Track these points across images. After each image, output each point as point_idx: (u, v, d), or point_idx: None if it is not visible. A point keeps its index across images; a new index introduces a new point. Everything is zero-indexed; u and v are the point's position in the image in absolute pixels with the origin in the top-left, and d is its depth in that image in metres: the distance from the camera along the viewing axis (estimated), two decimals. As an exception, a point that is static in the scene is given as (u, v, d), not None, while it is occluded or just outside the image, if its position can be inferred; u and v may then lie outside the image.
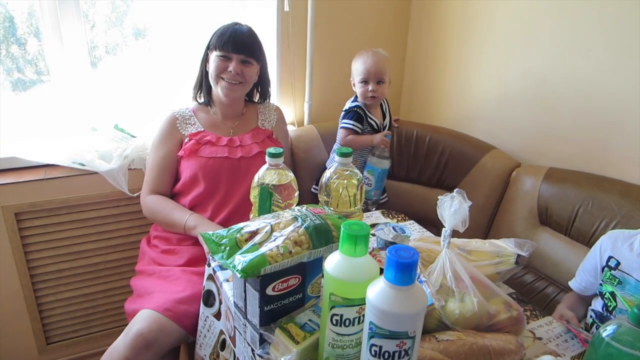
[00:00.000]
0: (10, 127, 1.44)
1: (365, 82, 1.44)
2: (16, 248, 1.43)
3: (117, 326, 1.69)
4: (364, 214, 1.31)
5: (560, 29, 1.42)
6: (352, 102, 1.51)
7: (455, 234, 0.85)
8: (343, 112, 1.51)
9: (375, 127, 1.49)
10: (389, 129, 1.56)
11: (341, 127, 1.49)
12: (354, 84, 1.50)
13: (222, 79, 1.31)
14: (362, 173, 1.45)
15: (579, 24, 1.37)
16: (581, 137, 1.42)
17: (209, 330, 1.07)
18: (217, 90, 1.34)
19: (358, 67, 1.45)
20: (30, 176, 1.40)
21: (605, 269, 1.03)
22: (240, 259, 0.72)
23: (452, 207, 0.83)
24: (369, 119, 1.48)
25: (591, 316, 1.06)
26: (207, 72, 1.36)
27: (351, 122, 1.46)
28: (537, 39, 1.49)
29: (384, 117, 1.55)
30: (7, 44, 1.46)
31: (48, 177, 1.42)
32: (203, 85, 1.39)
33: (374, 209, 1.51)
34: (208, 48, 1.35)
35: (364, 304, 0.62)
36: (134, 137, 1.51)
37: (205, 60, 1.37)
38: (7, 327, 1.51)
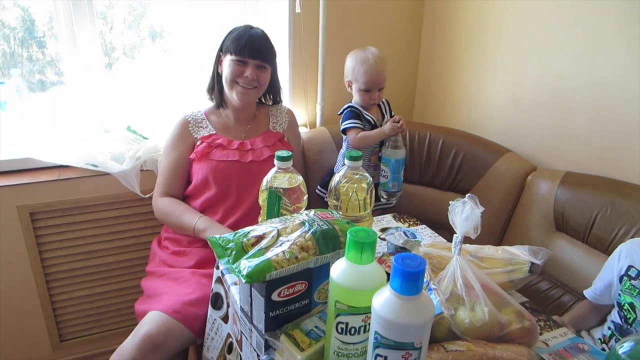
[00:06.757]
0: (25, 129, 1.47)
1: (367, 90, 1.43)
2: (31, 247, 1.45)
3: (129, 325, 1.71)
4: (377, 217, 1.29)
5: (577, 28, 1.38)
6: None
7: (467, 239, 0.82)
8: (340, 116, 1.50)
9: (373, 123, 1.47)
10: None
11: (347, 129, 1.46)
12: (349, 86, 1.48)
13: (237, 83, 1.31)
14: (380, 167, 1.43)
15: (596, 23, 1.33)
16: (599, 140, 1.38)
17: (216, 333, 1.06)
18: (232, 95, 1.34)
19: (360, 76, 1.42)
20: (44, 177, 1.43)
21: (625, 278, 0.99)
22: (246, 264, 0.71)
23: (464, 213, 0.80)
24: (365, 116, 1.46)
25: (609, 327, 1.02)
26: (219, 75, 1.36)
27: (352, 120, 1.45)
28: (553, 38, 1.45)
29: (383, 117, 1.52)
30: (27, 46, 1.48)
31: (62, 178, 1.44)
32: (215, 87, 1.39)
33: (394, 201, 1.49)
34: (221, 51, 1.34)
35: (370, 312, 0.61)
36: (146, 138, 1.52)
37: (217, 62, 1.36)
38: (23, 325, 1.53)
